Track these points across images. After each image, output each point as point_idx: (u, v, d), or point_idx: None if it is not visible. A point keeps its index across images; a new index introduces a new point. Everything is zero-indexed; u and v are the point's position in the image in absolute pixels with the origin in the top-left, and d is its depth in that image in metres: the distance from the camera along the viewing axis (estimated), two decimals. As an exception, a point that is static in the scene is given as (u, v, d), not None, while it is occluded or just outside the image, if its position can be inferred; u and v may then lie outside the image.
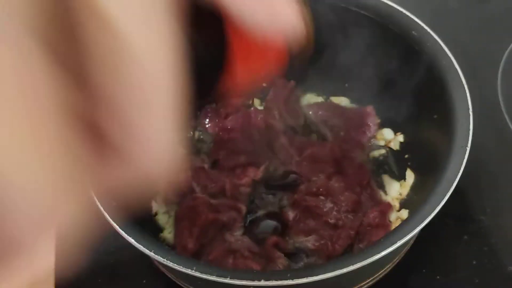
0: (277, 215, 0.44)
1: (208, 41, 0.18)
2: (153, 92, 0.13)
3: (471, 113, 0.35)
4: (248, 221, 0.43)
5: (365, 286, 0.39)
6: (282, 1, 0.17)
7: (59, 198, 0.12)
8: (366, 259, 0.31)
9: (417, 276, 0.42)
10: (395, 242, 0.32)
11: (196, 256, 0.41)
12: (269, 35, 0.17)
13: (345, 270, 0.31)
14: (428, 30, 0.39)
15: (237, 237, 0.42)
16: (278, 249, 0.41)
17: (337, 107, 0.50)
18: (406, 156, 0.47)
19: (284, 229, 0.43)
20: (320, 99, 0.52)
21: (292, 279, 0.31)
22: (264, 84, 0.52)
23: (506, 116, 0.46)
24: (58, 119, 0.12)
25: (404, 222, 0.35)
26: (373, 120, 0.49)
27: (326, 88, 0.52)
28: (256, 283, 0.31)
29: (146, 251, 0.33)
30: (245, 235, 0.42)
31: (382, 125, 0.49)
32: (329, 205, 0.43)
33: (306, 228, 0.42)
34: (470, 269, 0.42)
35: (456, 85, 0.36)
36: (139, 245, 0.34)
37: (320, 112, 0.50)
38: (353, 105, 0.51)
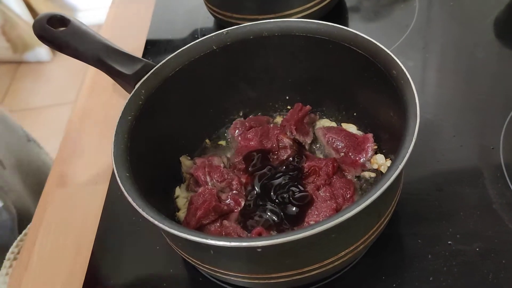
0: (271, 211, 0.53)
1: None
2: None
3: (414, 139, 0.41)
4: (242, 212, 0.52)
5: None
6: None
7: None
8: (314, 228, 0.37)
9: (374, 281, 0.48)
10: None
11: (195, 232, 0.51)
12: None
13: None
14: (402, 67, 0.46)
15: (231, 224, 0.52)
16: (260, 238, 0.50)
17: (344, 131, 0.58)
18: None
19: (271, 225, 0.52)
20: (333, 124, 0.61)
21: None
22: (289, 107, 0.63)
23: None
24: None
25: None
26: (370, 146, 0.56)
27: (339, 115, 0.61)
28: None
29: (148, 217, 0.44)
30: (239, 223, 0.52)
31: (377, 151, 0.56)
32: (312, 209, 0.51)
33: (288, 226, 0.51)
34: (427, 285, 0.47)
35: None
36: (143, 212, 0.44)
37: (328, 134, 0.58)
38: (359, 132, 0.59)
